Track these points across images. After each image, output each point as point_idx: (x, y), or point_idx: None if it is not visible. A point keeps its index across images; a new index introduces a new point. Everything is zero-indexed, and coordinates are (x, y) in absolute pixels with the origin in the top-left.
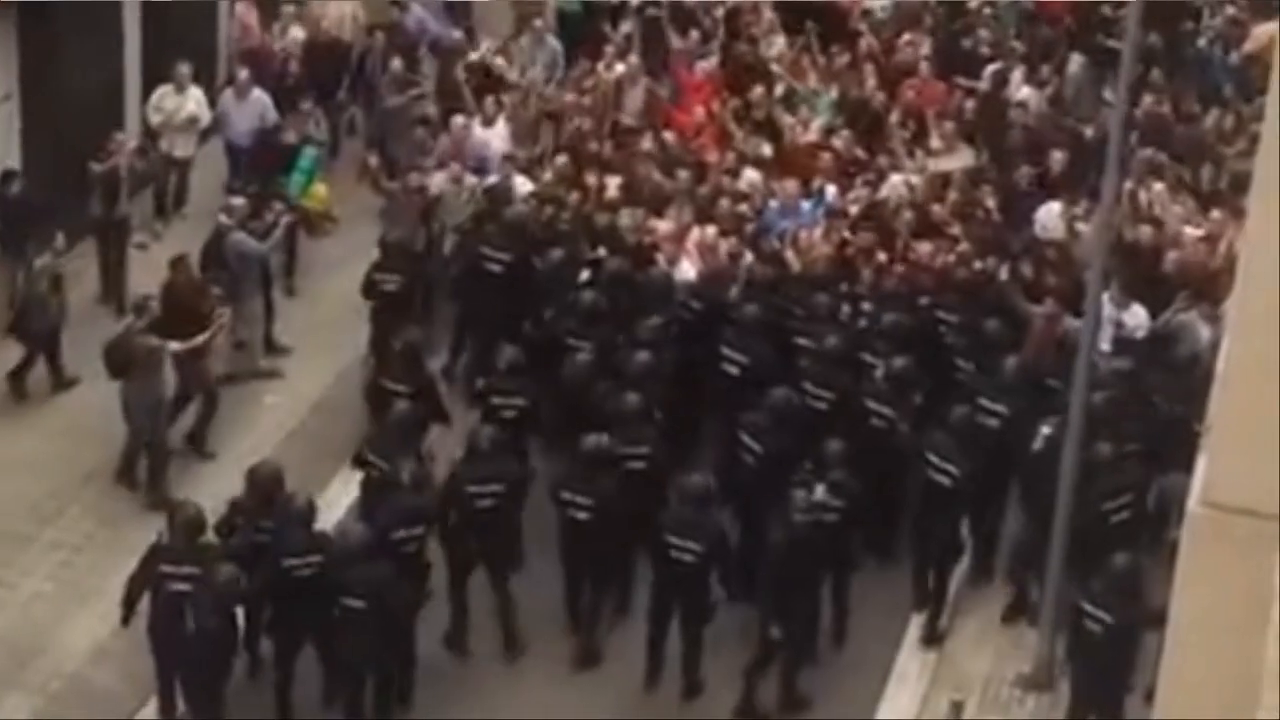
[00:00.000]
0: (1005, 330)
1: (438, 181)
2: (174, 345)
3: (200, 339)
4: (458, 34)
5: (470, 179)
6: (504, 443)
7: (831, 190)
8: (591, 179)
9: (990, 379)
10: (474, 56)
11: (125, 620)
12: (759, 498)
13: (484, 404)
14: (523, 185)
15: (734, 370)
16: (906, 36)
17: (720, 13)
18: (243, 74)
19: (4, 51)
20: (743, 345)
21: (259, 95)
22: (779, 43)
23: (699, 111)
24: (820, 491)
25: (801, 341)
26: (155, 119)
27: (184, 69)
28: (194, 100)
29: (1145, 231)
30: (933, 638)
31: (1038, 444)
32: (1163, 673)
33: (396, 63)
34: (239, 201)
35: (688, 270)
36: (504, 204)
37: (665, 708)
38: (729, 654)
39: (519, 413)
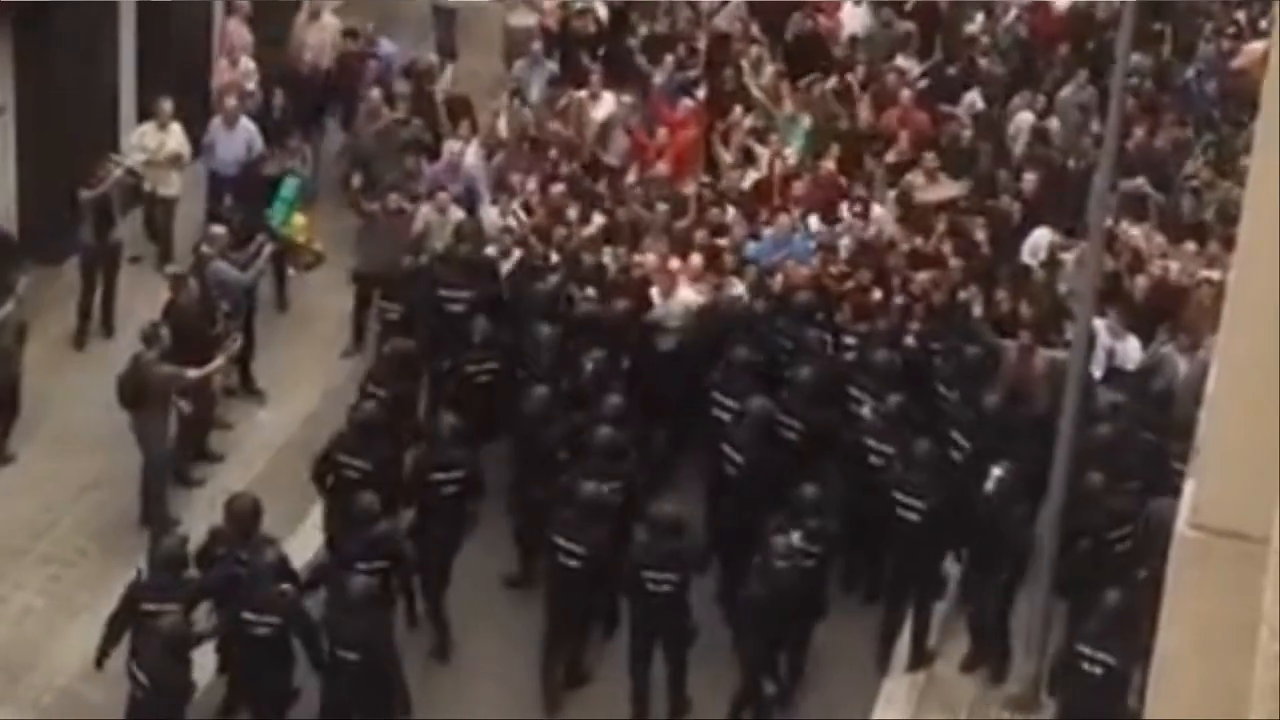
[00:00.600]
0: (985, 361)
1: (424, 212)
2: (191, 373)
3: (213, 365)
4: (433, 57)
5: (455, 210)
6: (463, 431)
7: (815, 221)
8: (573, 214)
9: (967, 413)
10: (440, 83)
11: (99, 662)
12: (743, 522)
13: (455, 375)
14: (517, 213)
15: (724, 415)
16: (899, 61)
17: (702, 42)
18: (231, 102)
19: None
20: (731, 388)
21: (246, 124)
22: (768, 72)
23: (662, 133)
24: (796, 538)
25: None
26: (138, 157)
27: (166, 105)
28: (175, 137)
29: (1126, 262)
30: (919, 663)
31: (989, 484)
32: (1150, 694)
33: (375, 93)
34: (220, 230)
35: (687, 296)
36: (467, 240)
37: None
38: (712, 668)
39: (492, 377)
